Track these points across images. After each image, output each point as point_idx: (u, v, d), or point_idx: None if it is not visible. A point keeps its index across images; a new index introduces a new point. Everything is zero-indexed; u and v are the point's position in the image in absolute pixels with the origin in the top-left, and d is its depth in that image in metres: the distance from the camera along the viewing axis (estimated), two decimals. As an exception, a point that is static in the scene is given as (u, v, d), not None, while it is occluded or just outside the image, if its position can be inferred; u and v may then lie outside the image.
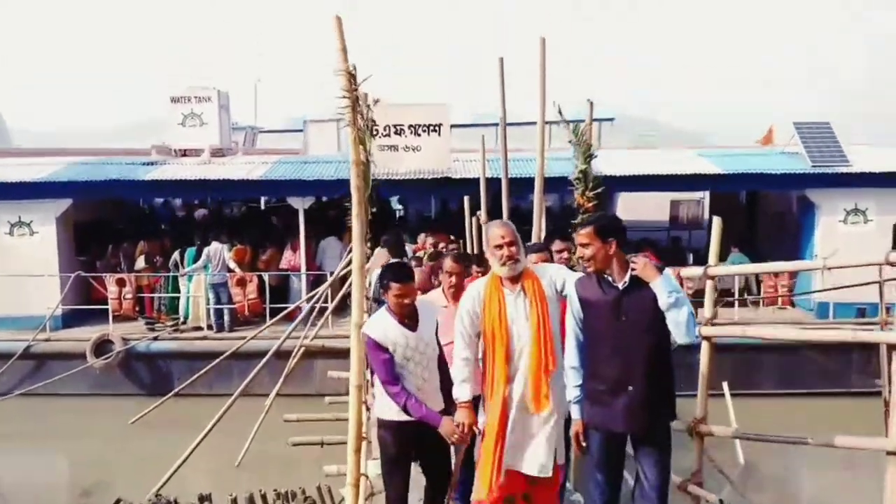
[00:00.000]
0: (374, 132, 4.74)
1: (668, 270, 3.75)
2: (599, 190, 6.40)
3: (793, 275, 13.39)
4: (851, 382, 11.32)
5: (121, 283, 13.24)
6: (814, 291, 12.03)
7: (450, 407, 4.08)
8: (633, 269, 3.71)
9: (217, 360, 11.08)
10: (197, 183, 13.19)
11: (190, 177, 13.21)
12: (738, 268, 8.16)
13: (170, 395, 11.21)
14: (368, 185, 4.54)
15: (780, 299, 13.44)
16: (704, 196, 18.16)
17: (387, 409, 4.10)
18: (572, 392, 3.91)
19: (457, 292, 4.70)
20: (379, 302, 4.89)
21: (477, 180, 9.11)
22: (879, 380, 6.39)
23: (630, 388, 3.70)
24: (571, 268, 4.71)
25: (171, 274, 13.16)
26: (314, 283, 12.91)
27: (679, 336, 3.63)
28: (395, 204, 20.02)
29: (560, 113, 6.10)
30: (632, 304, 3.70)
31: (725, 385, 9.42)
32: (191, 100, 14.64)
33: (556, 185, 8.83)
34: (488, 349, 3.99)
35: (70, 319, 13.04)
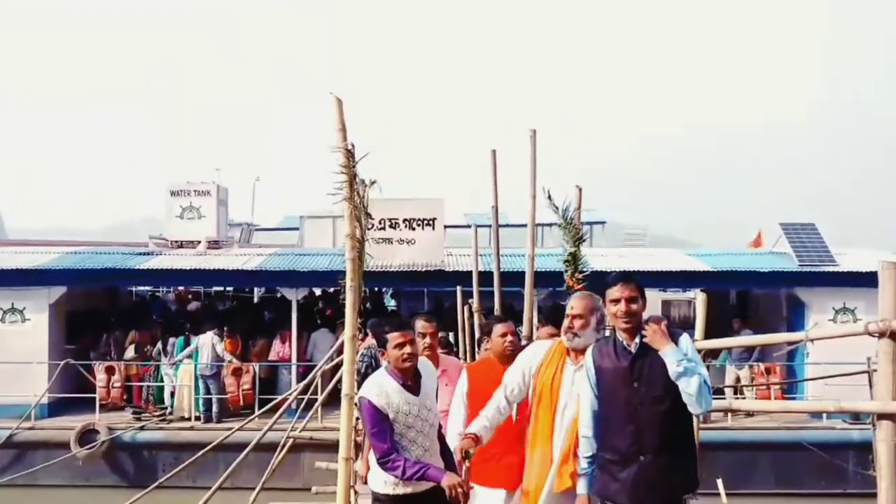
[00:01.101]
0: (369, 216, 4.88)
1: (685, 337, 3.63)
2: (587, 273, 6.51)
3: (784, 376, 13.42)
4: (848, 483, 11.17)
5: (110, 371, 13.13)
6: (806, 379, 11.98)
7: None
8: (643, 335, 3.58)
9: (202, 452, 10.86)
10: (192, 273, 13.34)
11: (185, 266, 13.35)
12: (724, 341, 7.95)
13: (152, 486, 10.93)
14: (363, 263, 4.65)
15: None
16: (696, 296, 18.30)
17: (381, 482, 3.92)
18: (581, 463, 3.76)
19: (432, 353, 4.81)
20: (365, 376, 4.88)
21: (469, 273, 9.29)
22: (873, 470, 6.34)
23: (642, 458, 3.53)
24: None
25: (160, 363, 13.09)
26: (304, 374, 12.84)
27: (691, 406, 3.49)
28: (388, 300, 20.10)
29: (550, 198, 6.29)
30: (645, 368, 3.56)
31: (720, 483, 9.28)
32: (190, 193, 14.98)
33: (546, 279, 9.01)
34: (535, 410, 4.05)
35: (57, 408, 12.87)
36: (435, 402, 4.05)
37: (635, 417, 3.55)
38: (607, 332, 3.94)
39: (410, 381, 3.90)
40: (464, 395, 4.61)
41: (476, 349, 7.36)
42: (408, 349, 3.85)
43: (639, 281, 3.69)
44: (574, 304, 4.01)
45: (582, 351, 3.89)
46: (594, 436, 3.71)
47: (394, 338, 3.88)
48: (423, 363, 4.06)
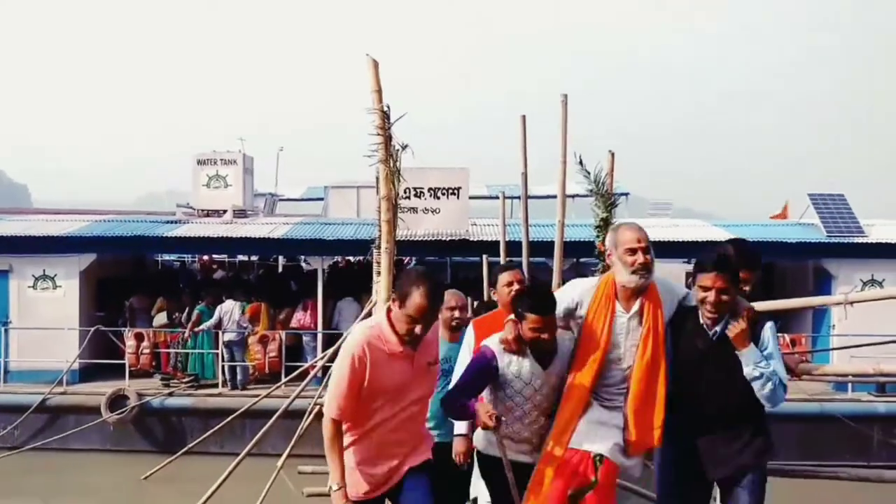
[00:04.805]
0: (401, 178, 4.89)
1: (769, 328, 3.47)
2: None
3: (809, 345, 13.33)
4: (873, 455, 11.14)
5: (139, 338, 13.31)
6: (835, 348, 11.86)
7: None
8: (728, 329, 3.40)
9: (230, 418, 11.02)
10: (219, 240, 13.45)
11: (213, 234, 13.47)
12: (763, 304, 7.93)
13: (180, 452, 11.13)
14: (396, 224, 4.68)
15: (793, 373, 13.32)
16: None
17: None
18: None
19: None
20: None
21: (492, 244, 9.25)
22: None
23: (710, 429, 3.47)
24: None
25: (187, 331, 13.24)
26: (329, 342, 12.93)
27: (762, 401, 3.42)
28: (412, 270, 20.13)
29: (581, 163, 6.26)
30: (720, 357, 3.42)
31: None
32: (216, 162, 15.02)
33: (571, 250, 8.96)
34: (579, 358, 3.50)
35: (87, 374, 13.07)
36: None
37: (704, 395, 3.46)
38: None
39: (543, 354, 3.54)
40: (471, 350, 4.23)
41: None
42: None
43: (735, 267, 3.46)
44: (640, 237, 3.43)
45: (636, 294, 3.46)
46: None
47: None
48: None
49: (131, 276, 15.80)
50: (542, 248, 10.20)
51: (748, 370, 3.37)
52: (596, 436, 3.42)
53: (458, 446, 4.06)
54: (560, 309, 3.50)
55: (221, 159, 15.05)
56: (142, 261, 17.35)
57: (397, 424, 3.26)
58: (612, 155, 6.64)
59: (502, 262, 8.76)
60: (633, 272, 3.39)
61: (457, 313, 4.43)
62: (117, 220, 15.01)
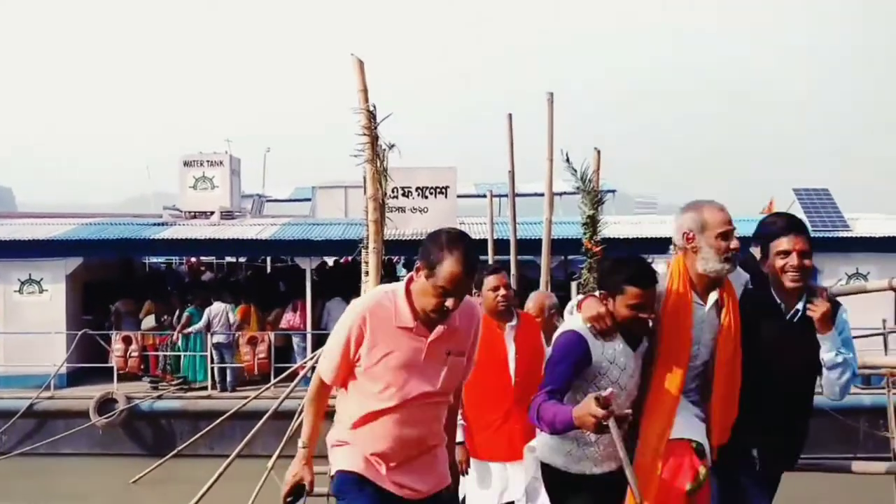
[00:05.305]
0: (387, 178, 4.90)
1: (844, 312, 3.14)
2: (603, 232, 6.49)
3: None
4: (860, 447, 11.24)
5: (126, 342, 13.26)
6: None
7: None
8: (810, 308, 3.03)
9: (219, 420, 11.01)
10: (207, 242, 13.44)
11: (200, 236, 13.44)
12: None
13: (170, 455, 11.10)
14: (383, 224, 4.69)
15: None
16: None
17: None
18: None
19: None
20: None
21: (479, 242, 9.24)
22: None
23: (768, 422, 3.14)
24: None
25: (175, 333, 13.20)
26: (318, 343, 12.92)
27: (828, 391, 3.13)
28: (401, 269, 20.16)
29: (567, 160, 6.28)
30: (795, 342, 3.07)
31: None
32: (203, 164, 14.98)
33: (558, 247, 9.00)
34: (663, 359, 3.03)
35: (75, 378, 13.02)
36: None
37: (774, 382, 3.11)
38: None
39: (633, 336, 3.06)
40: None
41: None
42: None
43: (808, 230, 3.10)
44: (729, 218, 3.01)
45: (712, 285, 3.03)
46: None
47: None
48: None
49: (119, 279, 15.74)
50: (529, 246, 10.22)
51: (830, 356, 3.04)
52: (685, 425, 3.01)
53: (460, 454, 3.84)
54: None
55: (208, 161, 15.01)
56: (129, 264, 17.28)
57: (405, 416, 2.69)
58: (598, 152, 6.67)
59: (490, 260, 8.76)
60: (726, 259, 2.95)
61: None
62: (104, 222, 14.95)
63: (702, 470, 2.92)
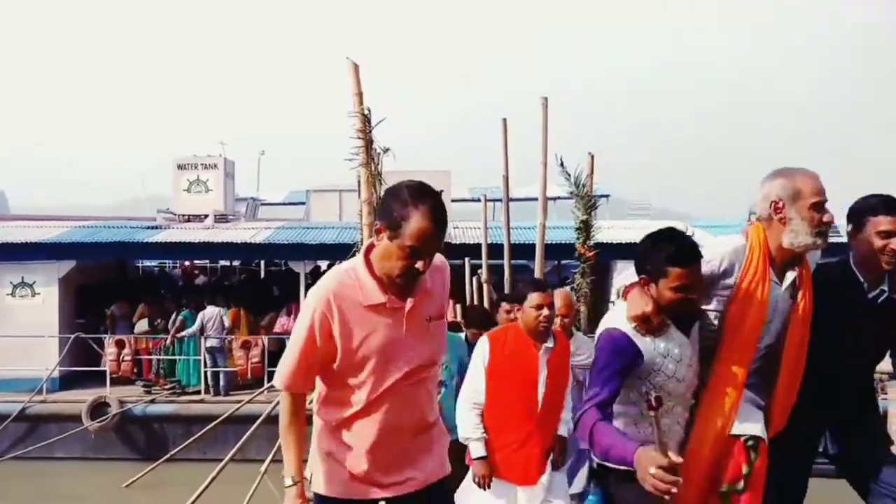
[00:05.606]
0: (382, 181, 4.90)
1: None
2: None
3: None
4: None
5: (120, 345, 13.22)
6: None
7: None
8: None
9: (212, 424, 10.99)
10: (201, 246, 13.41)
11: (194, 240, 13.42)
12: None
13: (163, 459, 11.07)
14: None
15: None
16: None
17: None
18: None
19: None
20: None
21: (474, 247, 9.29)
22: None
23: (841, 406, 2.98)
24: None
25: (169, 337, 13.17)
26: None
27: None
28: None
29: (562, 165, 6.29)
30: (873, 324, 2.87)
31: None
32: (197, 167, 14.96)
33: (552, 252, 9.04)
34: (728, 347, 2.74)
35: (68, 382, 12.98)
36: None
37: (846, 365, 2.91)
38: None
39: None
40: (484, 366, 3.93)
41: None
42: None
43: None
44: (821, 187, 2.69)
45: (792, 262, 2.76)
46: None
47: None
48: None
49: (112, 282, 15.70)
50: (523, 251, 10.25)
51: None
52: (743, 416, 2.75)
53: (481, 469, 3.82)
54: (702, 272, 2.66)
55: (202, 164, 14.99)
56: (123, 267, 17.23)
57: (396, 401, 2.41)
58: (592, 157, 6.68)
59: (484, 264, 8.78)
60: (818, 234, 2.67)
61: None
62: (97, 225, 14.90)
63: (745, 470, 2.70)
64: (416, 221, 2.19)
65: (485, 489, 3.81)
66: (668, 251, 2.56)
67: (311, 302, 2.34)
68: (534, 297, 3.77)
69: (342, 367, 2.37)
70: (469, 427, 3.90)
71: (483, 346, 3.97)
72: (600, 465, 2.79)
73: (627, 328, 2.62)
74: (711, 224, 14.84)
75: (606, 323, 2.72)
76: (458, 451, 3.61)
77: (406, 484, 2.49)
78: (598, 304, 8.03)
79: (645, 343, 2.61)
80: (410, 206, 2.20)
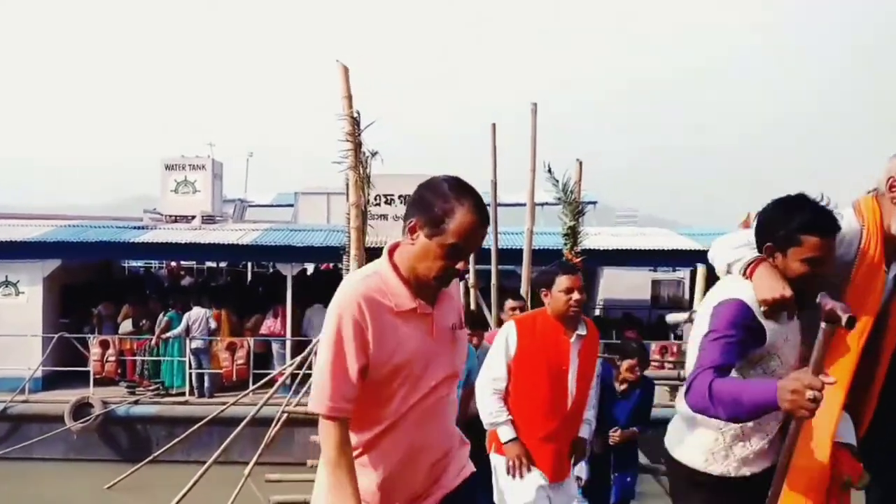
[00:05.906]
0: (371, 185, 4.92)
1: None
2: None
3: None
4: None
5: (104, 346, 13.13)
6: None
7: None
8: None
9: (196, 426, 10.93)
10: (187, 247, 13.36)
11: (181, 240, 13.37)
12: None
13: (146, 460, 11.00)
14: (365, 231, 4.69)
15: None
16: (685, 276, 18.43)
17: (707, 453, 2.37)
18: None
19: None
20: None
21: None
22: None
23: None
24: None
25: (155, 337, 13.11)
26: (298, 349, 12.86)
27: None
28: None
29: (550, 171, 6.32)
30: None
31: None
32: (185, 167, 14.91)
33: (539, 258, 9.09)
34: (838, 339, 2.28)
35: (50, 382, 12.87)
36: None
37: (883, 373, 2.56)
38: None
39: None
40: (509, 356, 3.62)
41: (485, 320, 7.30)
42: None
43: None
44: None
45: None
46: None
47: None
48: None
49: (98, 282, 15.61)
50: (511, 256, 10.27)
51: None
52: (842, 424, 2.47)
53: (514, 450, 3.52)
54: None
55: (190, 164, 14.94)
56: (108, 267, 17.13)
57: (422, 416, 2.15)
58: (580, 164, 6.72)
59: (472, 269, 8.76)
60: None
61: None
62: (83, 225, 14.81)
63: (847, 479, 2.38)
64: (461, 216, 2.00)
65: (524, 472, 3.47)
66: (802, 217, 2.23)
67: (339, 310, 2.05)
68: (563, 281, 3.53)
69: (370, 381, 2.09)
70: (493, 412, 3.60)
71: (508, 331, 3.66)
72: (674, 463, 2.48)
73: (755, 306, 2.26)
74: (699, 232, 14.94)
75: (725, 293, 2.33)
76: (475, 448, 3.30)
77: (428, 500, 2.27)
78: (584, 310, 8.05)
79: (769, 324, 2.27)
80: (454, 200, 2.01)
